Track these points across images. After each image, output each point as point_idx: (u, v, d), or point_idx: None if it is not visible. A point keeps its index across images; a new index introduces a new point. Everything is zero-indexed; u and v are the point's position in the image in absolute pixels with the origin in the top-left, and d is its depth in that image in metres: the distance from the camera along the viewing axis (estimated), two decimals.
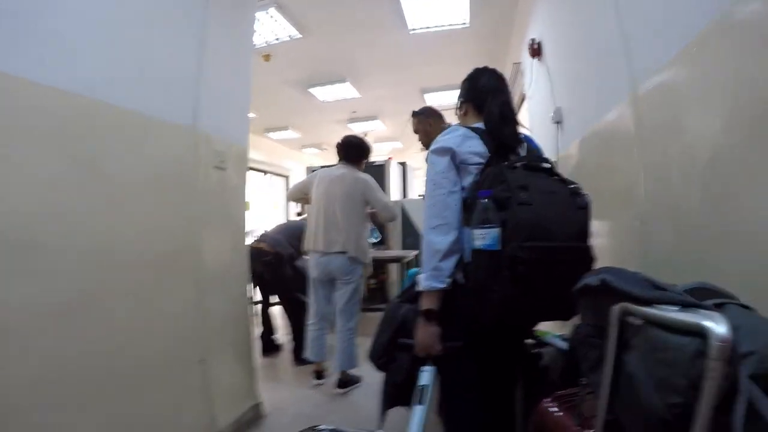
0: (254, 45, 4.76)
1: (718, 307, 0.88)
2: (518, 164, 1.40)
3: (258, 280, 4.20)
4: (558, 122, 3.29)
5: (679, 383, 0.71)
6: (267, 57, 5.39)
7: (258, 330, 4.32)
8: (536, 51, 3.77)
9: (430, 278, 1.43)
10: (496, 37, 5.46)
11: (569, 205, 1.38)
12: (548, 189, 1.37)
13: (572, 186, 1.44)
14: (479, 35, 5.43)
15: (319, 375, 3.57)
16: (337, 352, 3.42)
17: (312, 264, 3.44)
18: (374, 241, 5.05)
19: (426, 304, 1.45)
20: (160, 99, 2.14)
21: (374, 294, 6.14)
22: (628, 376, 0.83)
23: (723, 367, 0.66)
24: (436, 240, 1.43)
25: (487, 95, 1.61)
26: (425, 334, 1.45)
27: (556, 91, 3.36)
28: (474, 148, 1.49)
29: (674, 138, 1.56)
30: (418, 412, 1.33)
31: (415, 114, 3.25)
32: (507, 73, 5.63)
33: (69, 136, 1.68)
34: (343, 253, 3.31)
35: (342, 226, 3.31)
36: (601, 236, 2.36)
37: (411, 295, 1.61)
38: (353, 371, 3.48)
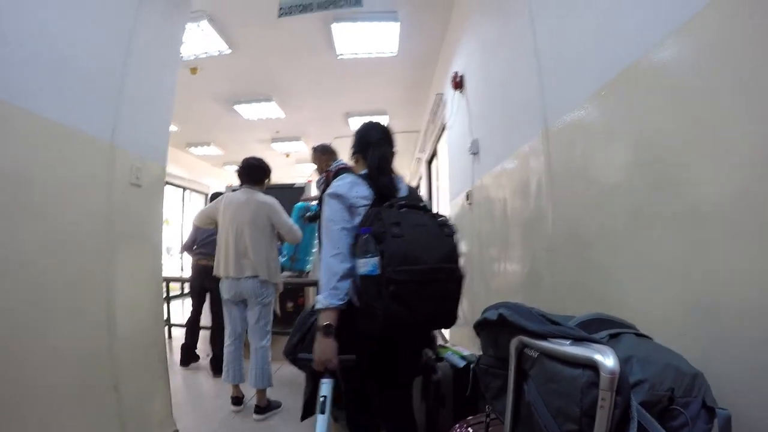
0: (182, 57, 4.66)
1: (614, 338, 0.97)
2: (395, 204, 1.70)
3: (201, 294, 4.62)
4: (475, 153, 3.47)
5: (573, 412, 0.77)
6: (194, 70, 5.27)
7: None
8: (458, 84, 3.97)
9: (329, 297, 1.63)
10: (422, 67, 5.69)
11: (438, 235, 1.68)
12: (419, 223, 1.66)
13: (441, 219, 1.76)
14: (406, 64, 5.64)
15: (238, 401, 3.49)
16: (250, 370, 3.40)
17: (224, 287, 3.45)
18: (282, 259, 4.99)
19: (324, 320, 1.63)
20: (78, 109, 2.03)
21: (292, 317, 5.99)
22: (528, 405, 0.89)
23: (613, 396, 0.72)
24: (334, 264, 1.66)
25: (370, 148, 1.91)
26: (323, 348, 1.62)
27: (474, 124, 3.53)
28: (361, 193, 1.76)
29: (580, 174, 1.73)
30: (320, 421, 1.49)
31: (314, 149, 3.91)
32: (431, 102, 5.86)
33: None
34: (255, 276, 3.35)
35: (251, 251, 3.35)
36: (513, 262, 2.50)
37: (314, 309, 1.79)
38: (274, 397, 3.46)
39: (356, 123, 7.77)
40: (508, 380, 0.96)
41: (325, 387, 1.57)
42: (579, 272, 1.74)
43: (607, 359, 0.74)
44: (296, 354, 1.78)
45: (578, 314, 1.10)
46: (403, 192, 1.90)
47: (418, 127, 7.89)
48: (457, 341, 3.48)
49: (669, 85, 1.19)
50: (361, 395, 1.82)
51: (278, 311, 4.00)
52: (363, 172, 1.88)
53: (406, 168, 10.30)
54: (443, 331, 4.55)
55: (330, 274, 1.65)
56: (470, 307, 3.31)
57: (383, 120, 7.72)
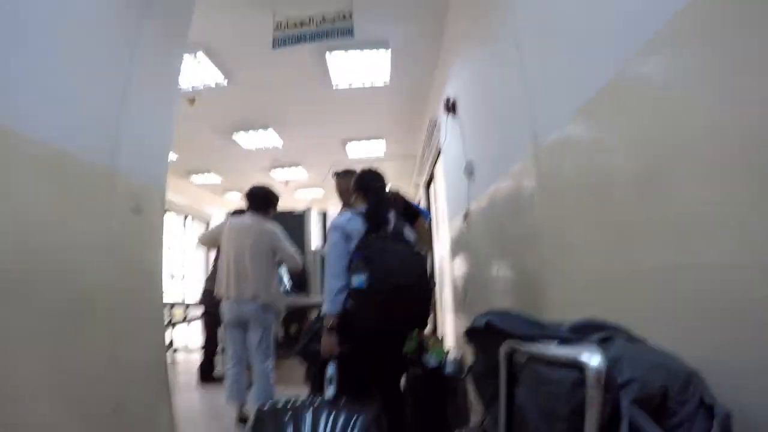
0: (180, 88, 4.76)
1: (605, 341, 0.98)
2: (382, 235, 2.31)
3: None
4: (470, 174, 3.51)
5: (563, 411, 0.79)
6: (192, 101, 5.37)
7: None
8: (451, 108, 4.04)
9: (330, 306, 2.29)
10: (415, 94, 5.82)
11: (411, 260, 2.30)
12: (397, 250, 2.28)
13: (415, 248, 2.41)
14: (399, 92, 5.77)
15: (243, 420, 3.50)
16: (253, 391, 3.45)
17: (225, 309, 3.50)
18: (285, 289, 5.05)
19: (328, 322, 2.29)
20: (78, 135, 2.07)
21: (294, 340, 5.94)
22: (520, 408, 0.91)
23: (601, 394, 0.74)
24: (332, 283, 2.30)
25: (369, 190, 2.51)
26: (327, 342, 2.28)
27: (467, 146, 3.60)
28: (356, 226, 2.35)
29: (569, 189, 1.78)
30: (330, 389, 2.16)
31: (338, 175, 3.29)
32: (424, 127, 5.95)
33: None
34: (255, 299, 3.40)
35: (251, 276, 3.41)
36: (510, 278, 2.54)
37: (322, 318, 2.43)
38: None
39: (354, 149, 7.93)
40: (500, 386, 0.98)
41: (330, 368, 2.23)
42: (573, 282, 1.77)
43: (592, 358, 0.76)
44: (308, 348, 2.44)
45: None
46: (391, 224, 2.43)
47: (414, 152, 7.99)
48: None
49: (647, 95, 1.24)
50: (354, 371, 2.31)
51: (279, 335, 4.02)
52: (361, 208, 2.46)
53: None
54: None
55: (330, 290, 2.29)
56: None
57: (381, 144, 7.92)
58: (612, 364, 0.78)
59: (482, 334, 1.07)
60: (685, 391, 0.84)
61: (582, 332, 1.00)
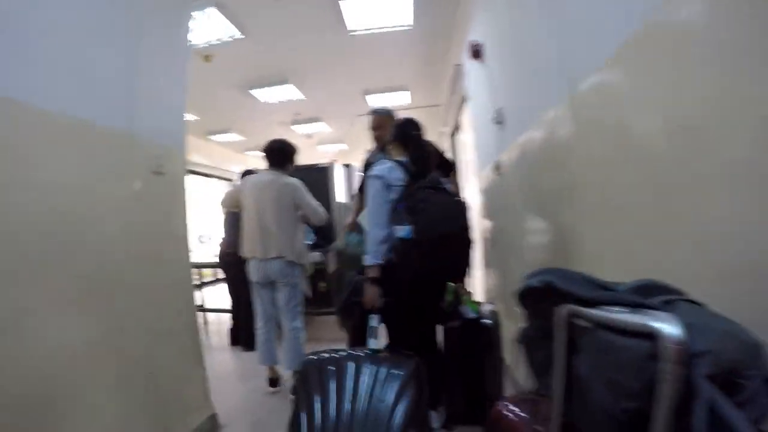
0: (194, 45, 4.62)
1: (668, 304, 0.86)
2: (423, 186, 2.24)
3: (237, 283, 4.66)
4: (499, 122, 3.35)
5: (632, 387, 0.69)
6: (208, 58, 5.23)
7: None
8: (477, 53, 3.82)
9: (372, 257, 2.26)
10: (437, 39, 5.53)
11: (453, 209, 2.24)
12: (440, 200, 2.22)
13: (456, 198, 2.37)
14: (420, 37, 5.49)
15: (274, 382, 3.54)
16: (284, 352, 3.46)
17: (251, 269, 3.47)
18: (309, 243, 4.96)
19: (370, 273, 2.27)
20: (91, 101, 2.01)
21: (323, 298, 5.98)
22: (579, 379, 0.81)
23: (678, 369, 0.64)
24: (376, 233, 2.26)
25: (409, 140, 2.45)
26: (370, 293, 2.27)
27: (497, 93, 3.42)
28: (397, 176, 2.32)
29: (611, 136, 1.63)
30: (372, 342, 2.12)
31: (376, 111, 3.41)
32: (448, 73, 5.72)
33: None
34: (281, 257, 3.35)
35: (276, 232, 3.35)
36: (546, 232, 2.43)
37: (359, 269, 2.41)
38: None
39: (375, 100, 7.71)
40: (555, 353, 0.88)
41: (374, 320, 2.21)
42: (614, 239, 1.65)
43: (671, 328, 0.66)
44: (349, 303, 2.41)
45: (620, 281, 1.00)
46: (431, 175, 2.39)
47: (439, 101, 7.75)
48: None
49: (697, 34, 1.08)
50: (398, 323, 2.35)
51: (309, 292, 3.99)
52: (398, 158, 2.42)
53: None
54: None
55: (374, 240, 2.27)
56: (503, 277, 3.24)
57: (405, 96, 7.71)
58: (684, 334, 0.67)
59: (538, 295, 0.95)
60: (755, 364, 0.71)
61: (642, 294, 0.88)
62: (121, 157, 2.19)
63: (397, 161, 2.39)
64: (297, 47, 5.54)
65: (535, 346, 1.03)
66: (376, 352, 1.89)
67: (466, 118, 5.35)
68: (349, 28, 4.98)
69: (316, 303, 5.12)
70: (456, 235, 2.21)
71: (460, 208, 2.29)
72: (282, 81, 6.64)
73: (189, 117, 6.77)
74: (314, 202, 3.53)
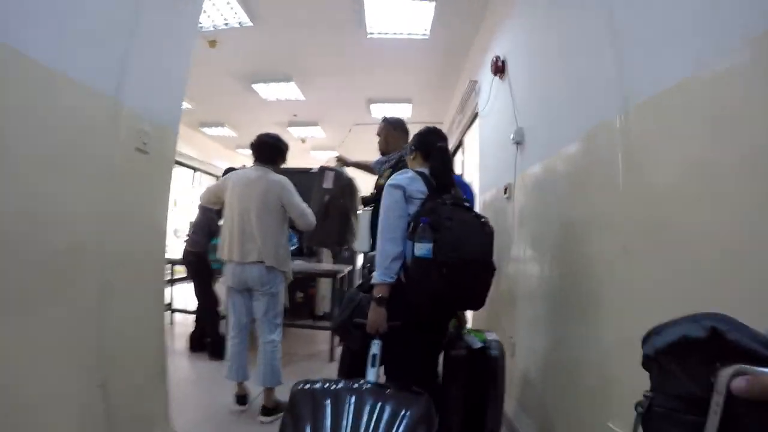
0: (201, 26, 4.36)
1: None
2: (447, 202, 2.00)
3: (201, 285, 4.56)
4: (518, 143, 3.15)
5: None
6: (213, 43, 5.00)
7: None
8: (499, 68, 3.64)
9: (383, 274, 1.99)
10: (453, 52, 5.37)
11: (479, 232, 2.00)
12: (466, 219, 1.99)
13: (483, 219, 2.07)
14: (435, 49, 5.32)
15: (242, 400, 3.20)
16: (258, 366, 3.12)
17: (227, 273, 3.16)
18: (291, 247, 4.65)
19: (378, 292, 1.99)
20: (79, 57, 1.72)
21: (300, 309, 5.64)
22: None
23: None
24: (389, 248, 2.01)
25: (433, 150, 2.23)
26: (376, 316, 1.98)
27: (518, 111, 3.20)
28: (418, 188, 2.08)
29: (661, 164, 1.48)
30: (371, 372, 1.84)
31: (387, 120, 3.39)
32: (460, 90, 5.53)
33: None
34: (260, 262, 3.04)
35: (258, 233, 3.04)
36: (575, 264, 2.19)
37: (365, 287, 2.18)
38: (282, 397, 3.14)
39: (379, 110, 7.55)
40: (705, 430, 0.61)
41: (376, 346, 1.91)
42: (664, 274, 1.46)
43: None
44: (349, 323, 2.08)
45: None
46: (454, 190, 2.21)
47: (441, 118, 7.58)
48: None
49: None
50: (403, 352, 2.05)
51: (287, 302, 3.65)
52: (419, 169, 2.19)
53: None
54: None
55: (385, 256, 2.00)
56: (501, 306, 3.00)
57: (407, 109, 7.52)
58: None
59: (694, 349, 0.67)
60: None
61: None
62: (102, 124, 1.88)
63: (419, 172, 2.16)
64: (308, 43, 5.31)
65: (671, 421, 0.72)
66: (378, 385, 1.64)
67: (472, 138, 5.15)
68: (368, 30, 4.76)
69: (292, 314, 4.81)
70: (479, 260, 1.98)
71: (487, 230, 2.05)
72: (286, 78, 6.40)
73: (183, 104, 6.48)
74: (302, 205, 3.21)
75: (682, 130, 1.40)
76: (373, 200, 3.35)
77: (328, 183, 3.76)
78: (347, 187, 3.53)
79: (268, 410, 3.05)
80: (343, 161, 3.69)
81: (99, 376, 1.88)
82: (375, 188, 3.26)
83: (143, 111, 2.13)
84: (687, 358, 0.69)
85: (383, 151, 3.37)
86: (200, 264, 4.44)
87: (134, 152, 2.09)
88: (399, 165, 2.87)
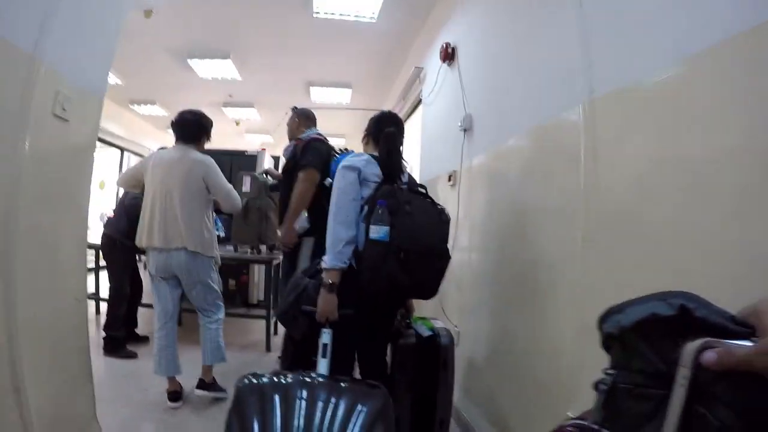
0: None
1: None
2: (404, 186, 2.05)
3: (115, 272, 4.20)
4: (466, 130, 3.12)
5: None
6: (149, 13, 4.62)
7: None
8: (449, 55, 3.60)
9: (335, 259, 1.90)
10: (400, 37, 5.28)
11: (437, 219, 2.02)
12: (424, 206, 2.01)
13: (439, 206, 2.09)
14: (382, 33, 5.20)
15: (175, 396, 2.96)
16: (202, 344, 3.02)
17: (150, 260, 2.94)
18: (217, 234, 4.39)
19: (329, 278, 1.90)
20: None
21: (233, 296, 5.48)
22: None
23: None
24: (342, 232, 1.92)
25: (381, 135, 2.17)
26: (327, 303, 1.88)
27: (467, 99, 3.16)
28: (374, 170, 2.04)
29: (622, 154, 1.51)
30: (322, 363, 1.71)
31: (294, 110, 3.61)
32: (403, 77, 5.46)
33: None
34: (184, 248, 2.85)
35: (181, 217, 2.84)
36: (530, 252, 2.17)
37: (312, 272, 2.10)
38: (222, 384, 3.08)
39: (318, 94, 7.40)
40: (671, 402, 0.59)
41: (326, 335, 1.79)
42: (619, 261, 1.49)
43: None
44: (295, 310, 1.97)
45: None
46: (404, 177, 2.20)
47: (380, 105, 7.48)
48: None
49: None
50: (349, 341, 2.00)
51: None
52: (372, 153, 2.16)
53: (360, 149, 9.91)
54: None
55: (337, 240, 1.91)
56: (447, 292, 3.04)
57: (346, 94, 7.38)
58: None
59: (659, 327, 0.65)
60: None
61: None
62: (15, 83, 1.63)
63: (373, 156, 2.12)
64: (250, 19, 5.03)
65: (635, 396, 0.70)
66: (330, 377, 1.55)
67: (412, 126, 5.11)
68: (315, 10, 4.56)
69: (224, 302, 4.59)
70: (435, 247, 1.99)
71: (444, 218, 2.07)
72: (223, 55, 6.03)
73: (112, 79, 6.03)
74: (228, 186, 3.04)
75: (647, 123, 1.41)
76: (277, 188, 3.93)
77: (246, 187, 4.35)
78: (263, 189, 4.27)
79: (205, 384, 2.98)
80: (270, 174, 4.35)
81: (11, 379, 1.65)
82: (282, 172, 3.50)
83: (65, 73, 1.88)
84: (654, 335, 0.68)
85: (289, 138, 3.53)
86: (113, 248, 4.05)
87: (52, 118, 1.84)
88: (295, 150, 3.20)
